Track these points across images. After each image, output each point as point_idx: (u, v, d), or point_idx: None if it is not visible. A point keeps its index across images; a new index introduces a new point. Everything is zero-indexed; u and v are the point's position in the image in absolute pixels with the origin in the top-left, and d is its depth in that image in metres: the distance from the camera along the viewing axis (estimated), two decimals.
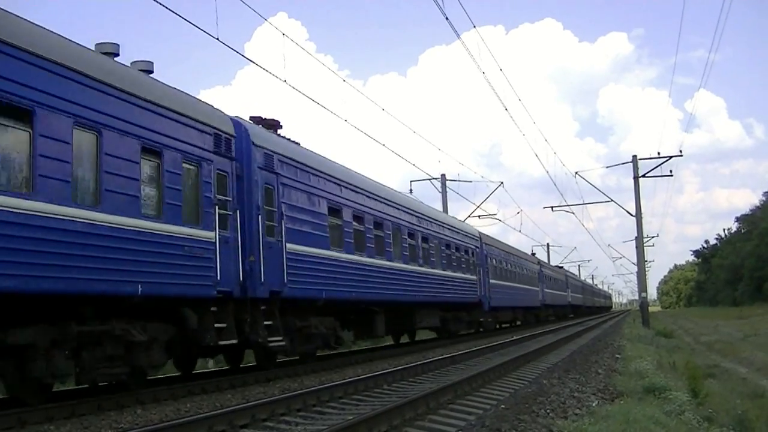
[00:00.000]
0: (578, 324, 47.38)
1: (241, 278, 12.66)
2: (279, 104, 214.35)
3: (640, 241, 43.73)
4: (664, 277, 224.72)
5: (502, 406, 9.82)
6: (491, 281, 32.54)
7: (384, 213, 20.01)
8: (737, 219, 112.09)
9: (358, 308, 18.71)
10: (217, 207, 12.20)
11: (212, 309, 12.06)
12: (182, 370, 14.53)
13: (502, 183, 42.74)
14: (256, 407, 9.23)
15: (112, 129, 10.03)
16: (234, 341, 12.45)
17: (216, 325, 12.07)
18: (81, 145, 9.56)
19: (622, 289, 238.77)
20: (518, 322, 43.97)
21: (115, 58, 11.38)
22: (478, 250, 31.35)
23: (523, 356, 17.46)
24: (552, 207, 50.30)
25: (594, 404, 10.33)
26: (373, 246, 18.79)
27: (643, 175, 40.77)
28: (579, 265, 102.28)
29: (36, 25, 9.50)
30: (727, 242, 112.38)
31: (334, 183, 16.95)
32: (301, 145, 16.29)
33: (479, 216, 43.27)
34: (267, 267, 13.45)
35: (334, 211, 16.81)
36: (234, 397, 11.44)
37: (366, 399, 10.94)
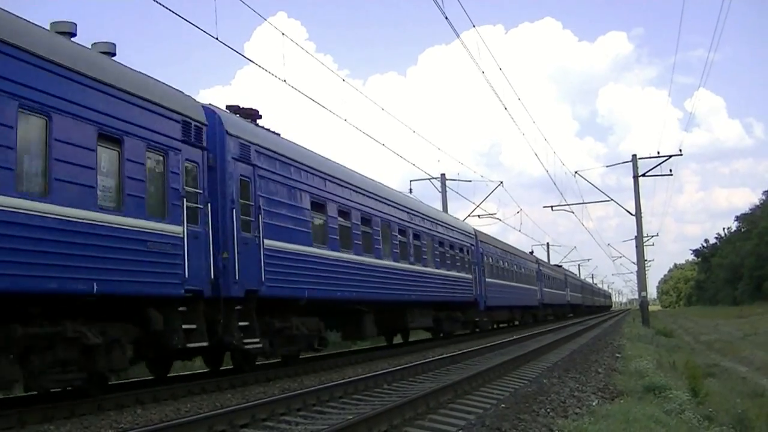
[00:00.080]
0: (578, 323, 47.09)
1: (212, 276, 11.82)
2: (279, 104, 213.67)
3: (639, 241, 43.61)
4: (664, 276, 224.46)
5: (503, 405, 9.78)
6: (487, 280, 31.72)
7: (372, 209, 19.16)
8: (737, 218, 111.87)
9: (345, 308, 17.87)
10: (185, 200, 11.35)
11: (180, 309, 11.23)
12: (156, 373, 13.73)
13: (501, 182, 42.60)
14: (256, 407, 9.21)
15: (63, 113, 9.18)
16: (204, 344, 11.61)
17: (184, 326, 11.23)
18: (27, 131, 8.72)
19: (622, 289, 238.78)
20: (516, 322, 43.25)
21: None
22: (473, 248, 30.51)
23: (523, 356, 17.28)
24: (552, 206, 50.19)
25: (594, 403, 10.28)
26: (360, 243, 17.94)
27: (643, 175, 40.74)
28: (579, 265, 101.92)
29: None
30: (726, 241, 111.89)
31: (318, 176, 16.10)
32: (282, 135, 15.44)
33: (479, 215, 43.19)
34: (242, 264, 12.62)
35: (318, 205, 15.97)
36: (234, 397, 11.37)
37: (366, 399, 10.88)
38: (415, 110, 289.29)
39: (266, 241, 13.46)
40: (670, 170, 41.19)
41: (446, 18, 17.78)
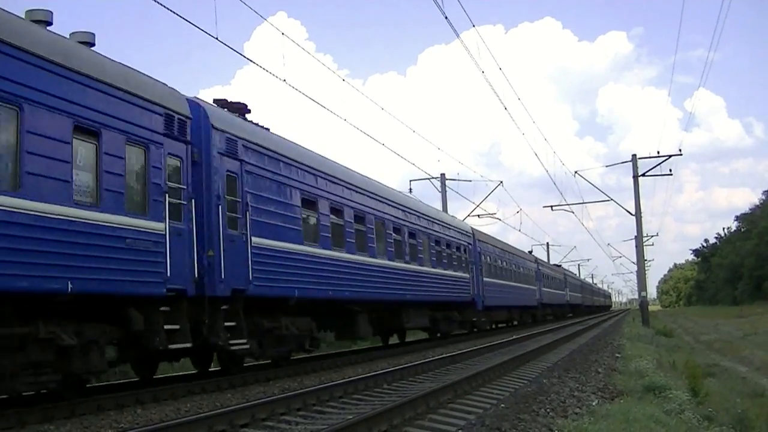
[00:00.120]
0: (577, 323, 47.00)
1: (196, 275, 11.41)
2: (279, 104, 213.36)
3: (639, 240, 43.58)
4: (664, 276, 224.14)
5: (502, 405, 9.77)
6: (485, 279, 31.31)
7: (366, 206, 18.74)
8: (737, 218, 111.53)
9: (338, 308, 17.46)
10: (167, 195, 10.94)
11: (162, 309, 10.81)
12: (141, 375, 13.33)
13: (501, 182, 42.57)
14: (255, 407, 9.18)
15: (36, 104, 8.76)
16: (188, 345, 11.20)
17: (167, 326, 10.82)
18: None
19: (621, 288, 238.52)
20: (515, 322, 42.85)
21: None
22: (470, 247, 30.10)
23: (523, 356, 17.22)
24: (552, 206, 50.16)
25: (594, 403, 10.27)
26: (353, 241, 17.53)
27: (643, 174, 40.78)
28: (579, 264, 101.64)
29: None
30: (726, 241, 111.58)
31: (309, 173, 15.68)
32: (271, 130, 15.03)
33: (479, 215, 43.20)
34: (228, 262, 12.21)
35: (309, 203, 15.56)
36: (234, 397, 11.36)
37: (366, 398, 10.87)
38: (415, 110, 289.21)
39: (254, 239, 13.05)
40: (670, 170, 41.35)
41: (446, 18, 17.73)
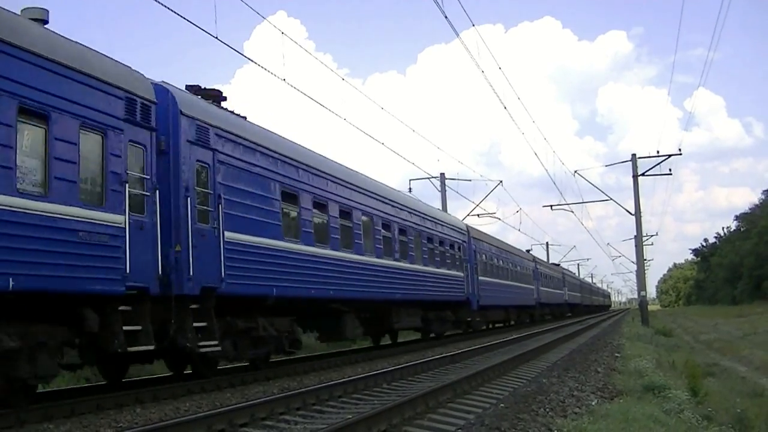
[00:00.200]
0: (577, 323, 46.63)
1: (160, 271, 10.58)
2: (278, 103, 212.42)
3: (639, 240, 43.35)
4: (664, 275, 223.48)
5: (502, 404, 9.76)
6: (480, 278, 30.48)
7: (353, 201, 17.90)
8: (736, 217, 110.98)
9: (322, 307, 16.62)
10: (128, 185, 10.11)
11: (121, 309, 9.98)
12: (108, 378, 12.54)
13: (501, 182, 42.19)
14: (255, 406, 9.13)
15: None
16: (150, 347, 10.36)
17: (126, 327, 9.99)
18: None
19: (621, 288, 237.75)
20: (512, 322, 42.06)
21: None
22: (465, 244, 29.26)
23: (522, 355, 17.15)
24: (551, 206, 49.70)
25: (593, 403, 10.26)
26: (338, 237, 16.70)
27: (643, 174, 40.65)
28: (578, 264, 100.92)
29: None
30: (726, 241, 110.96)
31: (290, 164, 14.83)
32: (248, 118, 14.18)
33: (478, 215, 42.84)
34: (198, 258, 11.39)
35: (290, 196, 14.72)
36: (233, 396, 11.30)
37: (365, 398, 10.84)
38: (415, 109, 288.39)
39: (227, 234, 12.22)
40: (670, 170, 41.15)
41: (446, 17, 17.47)
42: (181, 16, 13.05)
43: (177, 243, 11.09)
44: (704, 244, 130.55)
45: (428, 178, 38.64)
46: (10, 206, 8.24)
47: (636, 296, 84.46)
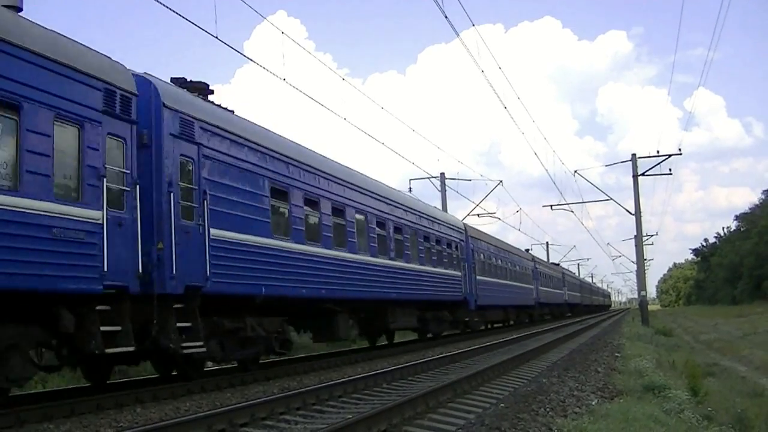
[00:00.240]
0: (577, 323, 46.41)
1: (141, 270, 10.15)
2: (278, 103, 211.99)
3: (639, 240, 43.15)
4: (664, 275, 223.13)
5: (502, 404, 9.77)
6: (478, 278, 30.06)
7: (346, 198, 17.48)
8: (736, 217, 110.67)
9: (315, 307, 16.20)
10: (106, 180, 9.69)
11: (99, 308, 9.56)
12: (92, 380, 12.13)
13: (501, 182, 42.00)
14: (255, 406, 9.12)
15: None
16: (130, 348, 9.94)
17: (105, 327, 9.57)
18: None
19: (621, 288, 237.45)
20: (511, 322, 41.66)
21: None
22: (463, 243, 28.84)
23: (522, 355, 17.16)
24: (551, 205, 49.53)
25: (593, 403, 10.26)
26: (330, 235, 16.28)
27: (643, 174, 40.54)
28: (578, 264, 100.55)
29: None
30: (726, 241, 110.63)
31: (280, 160, 14.41)
32: (236, 113, 13.75)
33: (478, 214, 42.65)
34: (182, 256, 10.98)
35: (280, 192, 14.30)
36: (233, 396, 11.29)
37: (365, 398, 10.83)
38: (415, 109, 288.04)
39: (213, 231, 11.81)
40: (670, 169, 41.04)
41: (446, 17, 17.37)
42: (182, 16, 13.15)
43: (159, 240, 10.67)
44: (704, 244, 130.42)
45: (428, 178, 38.54)
46: None
47: (636, 296, 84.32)
